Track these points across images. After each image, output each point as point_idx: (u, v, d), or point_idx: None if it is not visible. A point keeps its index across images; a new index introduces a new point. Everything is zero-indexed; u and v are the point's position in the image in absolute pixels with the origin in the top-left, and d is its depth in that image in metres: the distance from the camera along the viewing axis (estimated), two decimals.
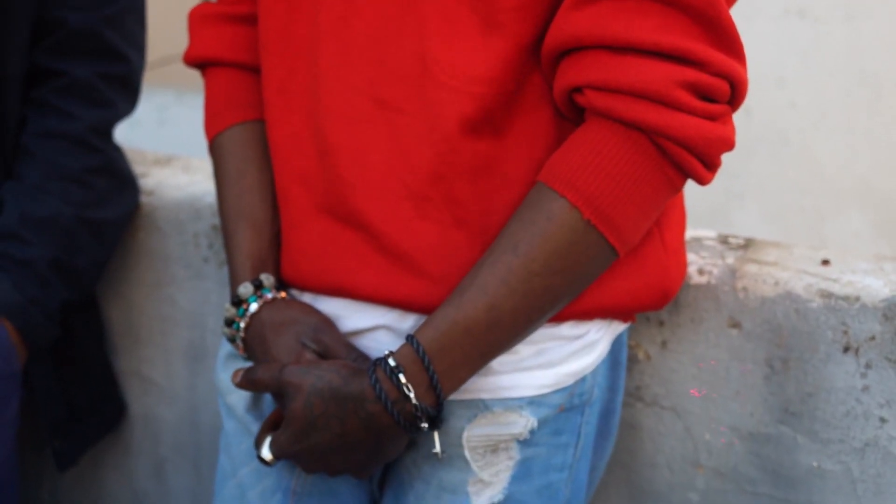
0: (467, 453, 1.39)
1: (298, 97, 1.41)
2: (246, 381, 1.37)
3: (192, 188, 2.01)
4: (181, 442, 2.12)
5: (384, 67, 1.33)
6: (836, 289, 1.54)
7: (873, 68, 2.94)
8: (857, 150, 2.97)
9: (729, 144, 1.27)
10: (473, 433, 1.38)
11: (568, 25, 1.25)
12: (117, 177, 1.97)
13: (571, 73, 1.26)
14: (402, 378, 1.27)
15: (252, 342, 1.43)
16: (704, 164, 1.27)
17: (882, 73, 2.94)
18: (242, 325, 1.44)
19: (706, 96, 1.24)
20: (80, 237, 1.88)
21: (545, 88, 1.33)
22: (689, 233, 1.70)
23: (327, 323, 1.41)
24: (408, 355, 1.28)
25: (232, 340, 1.46)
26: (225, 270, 1.97)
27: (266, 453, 1.38)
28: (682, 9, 1.21)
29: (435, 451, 1.36)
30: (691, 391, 1.64)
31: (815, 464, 1.58)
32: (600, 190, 1.25)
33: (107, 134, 1.95)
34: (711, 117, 1.24)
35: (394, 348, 1.36)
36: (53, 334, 1.88)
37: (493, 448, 1.39)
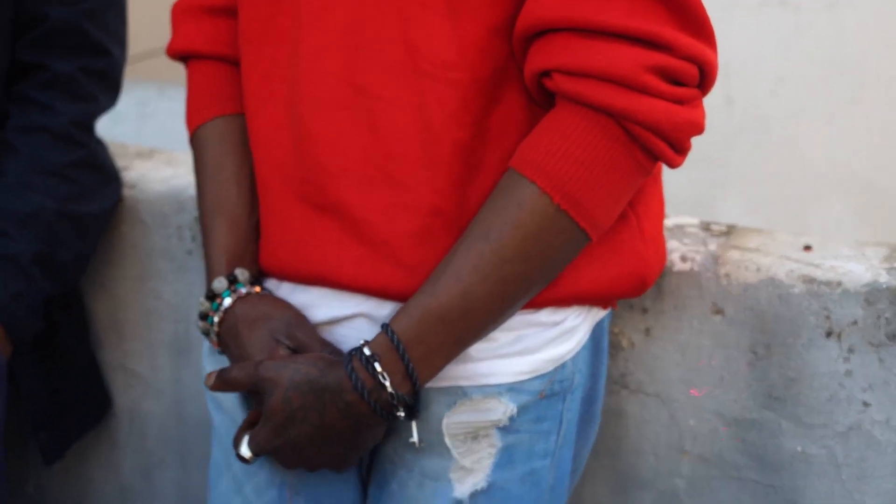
0: (448, 440, 1.39)
1: (278, 87, 1.41)
2: (220, 382, 1.37)
3: (175, 181, 2.01)
4: (167, 435, 2.11)
5: (363, 54, 1.33)
6: (819, 274, 1.54)
7: (854, 57, 2.95)
8: (838, 139, 2.98)
9: (698, 128, 1.27)
10: (453, 420, 1.39)
11: (538, 8, 1.25)
12: (100, 171, 1.97)
13: (540, 57, 1.26)
14: (378, 367, 1.28)
15: (226, 337, 1.43)
16: (673, 147, 1.27)
17: (863, 62, 2.95)
18: (216, 319, 1.44)
19: (675, 80, 1.24)
20: (64, 231, 1.88)
21: (519, 75, 1.33)
22: (672, 220, 1.71)
23: (301, 318, 1.41)
24: (383, 343, 1.29)
25: (206, 334, 1.46)
26: None
27: (245, 451, 1.38)
28: None
29: (412, 440, 1.37)
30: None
31: (799, 448, 1.59)
32: (570, 175, 1.25)
33: (89, 128, 1.95)
34: (680, 101, 1.24)
35: (372, 336, 1.36)
36: (37, 329, 1.88)
37: (474, 435, 1.40)
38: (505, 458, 1.42)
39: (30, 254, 1.83)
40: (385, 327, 1.29)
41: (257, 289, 1.45)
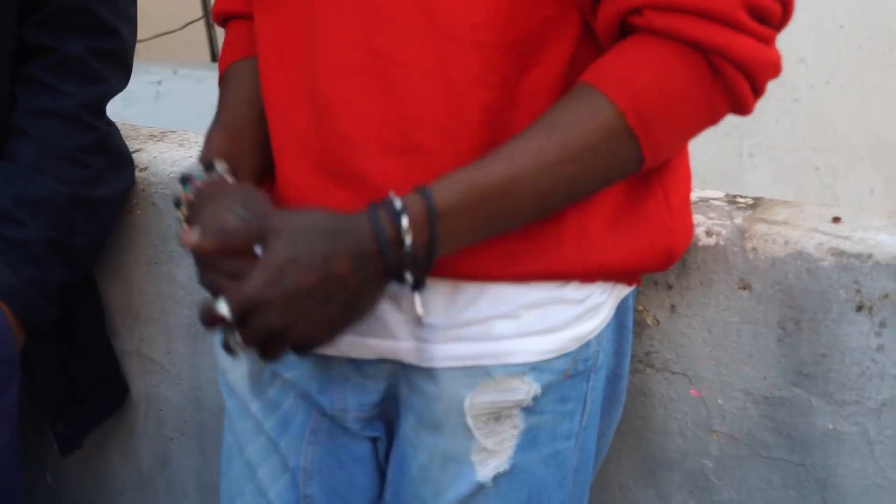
0: (470, 421, 1.37)
1: (292, 52, 1.37)
2: (219, 233, 1.26)
3: (188, 163, 1.99)
4: (185, 421, 2.11)
5: (381, 18, 1.29)
6: (848, 246, 1.51)
7: (885, 22, 2.91)
8: (868, 106, 2.94)
9: (778, 69, 1.28)
10: (476, 401, 1.36)
11: None
12: (112, 154, 1.95)
13: None
14: (405, 223, 1.21)
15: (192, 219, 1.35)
16: (755, 88, 1.27)
17: (893, 27, 2.91)
18: (184, 200, 1.37)
19: (762, 19, 1.24)
20: (76, 216, 1.87)
21: (558, 41, 1.30)
22: (697, 193, 1.68)
23: (256, 192, 1.34)
24: (416, 203, 1.22)
25: (178, 222, 1.38)
26: None
27: (223, 307, 1.23)
28: None
29: (418, 312, 1.30)
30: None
31: (830, 426, 1.56)
32: (649, 100, 1.24)
33: (100, 110, 1.93)
34: (766, 40, 1.25)
35: (392, 314, 1.34)
36: (51, 316, 1.87)
37: (497, 416, 1.37)
38: (528, 440, 1.40)
39: (42, 240, 1.82)
40: (423, 189, 1.23)
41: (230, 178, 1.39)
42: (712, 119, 1.30)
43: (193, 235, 1.26)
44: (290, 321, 1.23)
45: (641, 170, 1.30)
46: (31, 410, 2.01)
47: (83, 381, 2.02)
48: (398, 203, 1.22)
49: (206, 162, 1.40)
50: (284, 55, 1.39)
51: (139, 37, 2.04)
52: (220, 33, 3.87)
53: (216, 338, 1.49)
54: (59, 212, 1.84)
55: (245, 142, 1.45)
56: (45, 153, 1.83)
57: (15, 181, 1.82)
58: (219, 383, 1.56)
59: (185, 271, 2.01)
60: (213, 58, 3.85)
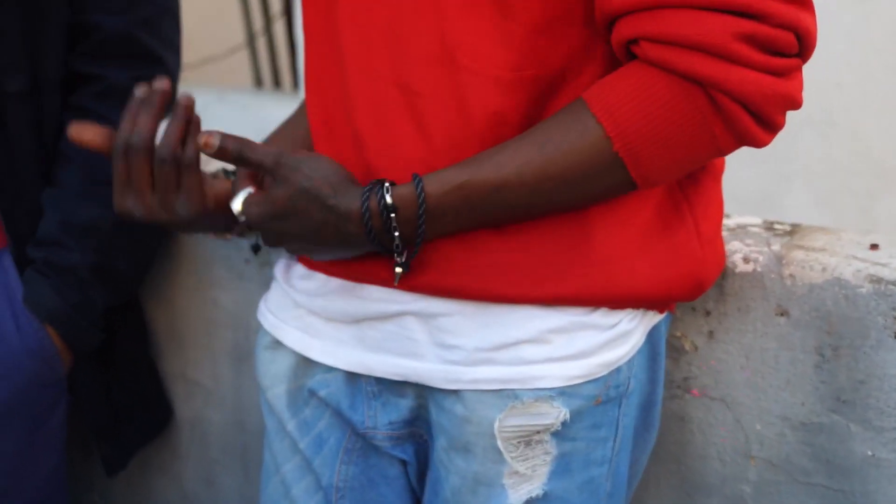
0: (500, 444, 1.38)
1: (328, 83, 1.40)
2: (240, 145, 1.31)
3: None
4: (229, 444, 2.12)
5: (405, 51, 1.32)
6: (886, 273, 1.51)
7: None
8: None
9: (791, 101, 1.24)
10: (505, 424, 1.37)
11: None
12: None
13: (627, 26, 1.24)
14: (394, 220, 1.29)
15: None
16: (762, 122, 1.25)
17: None
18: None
19: (771, 49, 1.21)
20: (122, 241, 1.89)
21: (572, 75, 1.32)
22: (734, 220, 1.68)
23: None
24: (407, 199, 1.29)
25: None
26: (267, 271, 1.97)
27: (237, 205, 1.36)
28: None
29: (397, 271, 1.36)
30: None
31: (869, 452, 1.56)
32: (637, 128, 1.25)
33: None
34: (775, 72, 1.21)
35: (419, 335, 1.37)
36: (97, 339, 1.89)
37: (527, 440, 1.38)
38: (562, 466, 1.40)
39: (88, 264, 1.84)
40: (417, 184, 1.29)
41: None
42: (717, 150, 1.28)
43: (215, 138, 1.32)
44: (280, 246, 1.38)
45: (637, 189, 1.31)
46: (77, 432, 2.03)
47: (128, 403, 2.04)
48: (389, 199, 1.28)
49: None
50: (322, 85, 1.42)
51: (184, 62, 2.06)
52: (263, 59, 3.89)
53: (258, 359, 1.53)
54: (105, 237, 1.86)
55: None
56: (91, 179, 1.86)
57: (61, 207, 1.84)
58: (260, 403, 1.58)
59: (229, 295, 2.03)
60: (257, 83, 3.87)
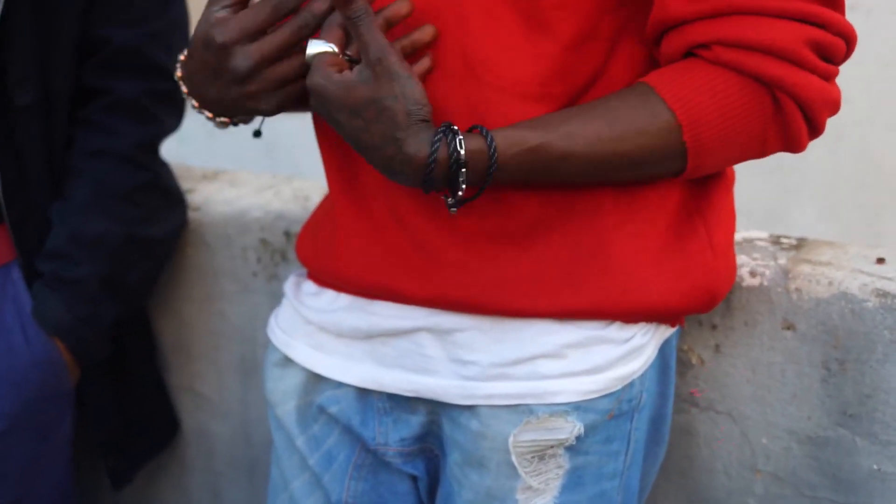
0: (514, 459, 1.38)
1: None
2: (365, 13, 1.25)
3: (239, 202, 2.01)
4: (235, 457, 2.12)
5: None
6: (893, 288, 1.51)
7: None
8: None
9: (837, 105, 1.30)
10: (520, 439, 1.37)
11: (686, 5, 1.26)
12: (165, 193, 1.98)
13: (699, 31, 1.26)
14: (462, 176, 1.24)
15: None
16: (811, 125, 1.29)
17: None
18: None
19: (826, 56, 1.26)
20: (130, 255, 1.89)
21: (597, 91, 1.33)
22: (741, 234, 1.68)
23: None
24: (479, 155, 1.24)
25: None
26: (274, 284, 1.98)
27: (313, 50, 1.28)
28: None
29: (449, 200, 1.30)
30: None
31: (875, 466, 1.56)
32: (709, 120, 1.27)
33: (154, 151, 1.96)
34: (828, 77, 1.27)
35: (434, 350, 1.38)
36: (105, 352, 1.89)
37: (541, 455, 1.38)
38: (574, 480, 1.40)
39: (97, 277, 1.84)
40: (491, 144, 1.24)
41: None
42: (762, 151, 1.32)
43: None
44: (322, 119, 1.31)
45: (677, 177, 1.34)
46: (83, 445, 2.03)
47: (135, 417, 2.04)
48: (463, 154, 1.23)
49: None
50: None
51: None
52: None
53: (267, 376, 1.53)
54: (113, 250, 1.86)
55: None
56: (100, 193, 1.86)
57: (70, 220, 1.85)
58: (268, 419, 1.58)
59: (236, 309, 2.04)
60: None
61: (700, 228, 1.39)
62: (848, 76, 2.89)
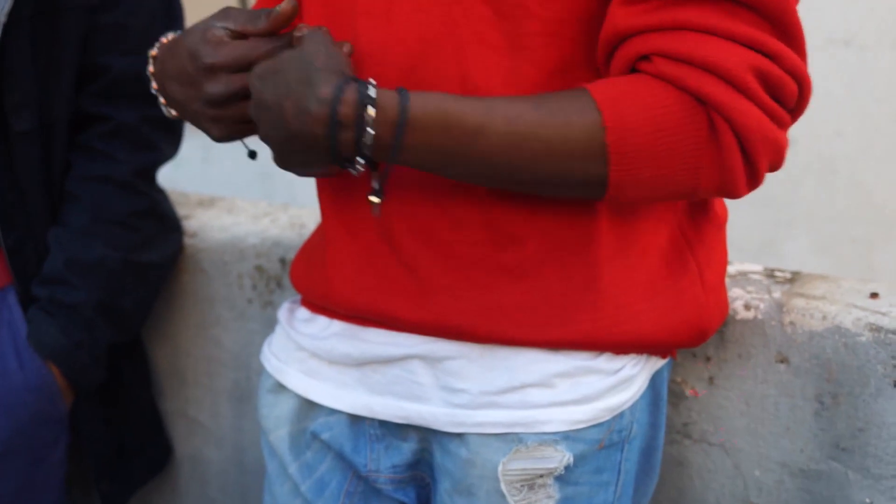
0: (503, 487, 1.38)
1: None
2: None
3: (235, 229, 2.02)
4: (228, 483, 2.11)
5: (420, 82, 1.31)
6: (886, 322, 1.51)
7: None
8: None
9: (780, 152, 1.24)
10: (509, 467, 1.37)
11: (634, 16, 1.22)
12: (161, 219, 1.98)
13: (642, 42, 1.22)
14: (370, 112, 1.20)
15: (161, 53, 1.40)
16: (749, 165, 1.23)
17: None
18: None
19: (773, 93, 1.21)
20: (126, 280, 1.89)
21: None
22: (735, 267, 1.69)
23: (234, 6, 1.36)
24: (390, 102, 1.22)
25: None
26: (270, 311, 1.98)
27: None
28: (753, 7, 1.19)
29: (373, 199, 1.28)
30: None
31: (867, 500, 1.56)
32: (635, 127, 1.21)
33: (151, 177, 1.96)
34: (773, 117, 1.21)
35: (425, 378, 1.38)
36: (99, 377, 1.89)
37: (531, 483, 1.38)
38: None
39: (93, 303, 1.85)
40: (402, 91, 1.22)
41: None
42: (694, 184, 1.24)
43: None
44: (256, 119, 1.26)
45: (603, 200, 1.27)
46: (77, 469, 2.03)
47: (128, 442, 2.04)
48: (372, 91, 1.21)
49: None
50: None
51: None
52: None
53: (261, 402, 1.53)
54: (110, 275, 1.87)
55: None
56: (98, 218, 1.87)
57: (67, 245, 1.85)
58: (261, 445, 1.58)
59: (231, 335, 2.04)
60: None
61: (691, 264, 1.39)
62: (841, 111, 2.92)
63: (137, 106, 1.89)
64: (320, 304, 1.47)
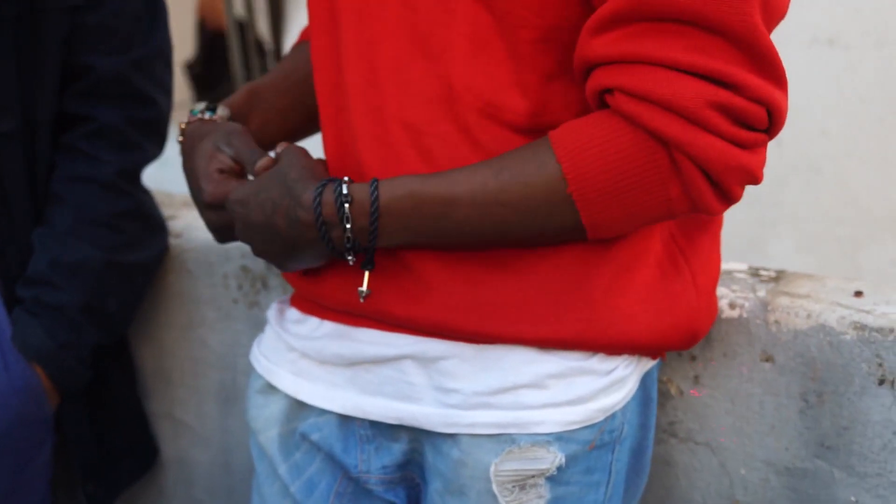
0: (495, 488, 1.38)
1: (334, 114, 1.41)
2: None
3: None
4: (214, 484, 2.11)
5: (412, 92, 1.33)
6: (870, 321, 1.52)
7: None
8: (890, 178, 2.94)
9: (751, 176, 1.24)
10: (501, 468, 1.38)
11: (599, 47, 1.23)
12: (146, 220, 1.98)
13: (605, 75, 1.24)
14: (347, 208, 1.29)
15: (183, 147, 1.50)
16: (719, 191, 1.25)
17: None
18: (182, 126, 1.52)
19: (741, 121, 1.21)
20: (111, 281, 1.89)
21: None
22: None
23: (238, 128, 1.46)
24: (361, 193, 1.30)
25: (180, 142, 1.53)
26: (255, 312, 1.98)
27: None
28: (719, 33, 1.19)
29: (361, 289, 1.37)
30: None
31: (852, 498, 1.56)
32: (594, 174, 1.24)
33: (136, 177, 1.96)
34: (741, 144, 1.21)
35: (417, 378, 1.38)
36: (85, 379, 1.89)
37: (522, 484, 1.39)
38: None
39: (77, 304, 1.84)
40: (372, 183, 1.29)
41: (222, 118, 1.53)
42: (669, 212, 1.27)
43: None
44: (247, 240, 1.39)
45: (587, 240, 1.31)
46: (62, 471, 2.02)
47: (114, 443, 2.04)
48: (346, 189, 1.29)
49: (212, 106, 1.54)
50: (329, 118, 1.43)
51: (175, 102, 2.07)
52: None
53: (250, 402, 1.53)
54: (95, 276, 1.86)
55: (266, 103, 1.59)
56: (82, 219, 1.87)
57: (51, 246, 1.85)
58: (249, 446, 1.58)
59: (217, 336, 2.03)
60: None
61: (684, 268, 1.40)
62: (826, 111, 2.92)
63: (121, 106, 1.89)
64: (313, 300, 1.47)
